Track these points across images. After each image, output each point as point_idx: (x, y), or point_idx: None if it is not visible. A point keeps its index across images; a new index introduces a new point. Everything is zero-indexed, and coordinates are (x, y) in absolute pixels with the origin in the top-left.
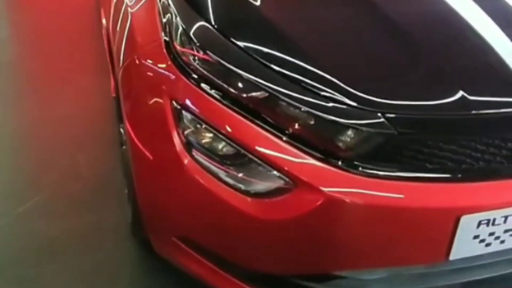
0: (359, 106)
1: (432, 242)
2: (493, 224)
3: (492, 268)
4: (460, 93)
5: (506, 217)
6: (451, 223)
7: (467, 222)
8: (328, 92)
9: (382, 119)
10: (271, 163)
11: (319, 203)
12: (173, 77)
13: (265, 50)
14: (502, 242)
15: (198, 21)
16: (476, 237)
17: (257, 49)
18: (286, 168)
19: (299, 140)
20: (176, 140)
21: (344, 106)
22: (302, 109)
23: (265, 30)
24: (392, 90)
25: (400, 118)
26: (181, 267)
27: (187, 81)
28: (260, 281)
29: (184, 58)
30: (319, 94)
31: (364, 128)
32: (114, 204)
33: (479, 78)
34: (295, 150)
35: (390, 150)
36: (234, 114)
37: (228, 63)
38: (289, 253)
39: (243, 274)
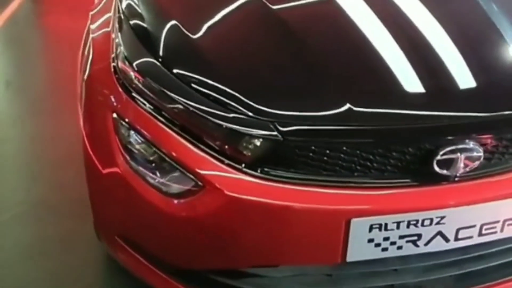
0: (254, 116)
1: (328, 243)
2: (385, 229)
3: (406, 275)
4: (346, 105)
5: (398, 223)
6: (342, 225)
7: (358, 225)
8: (231, 105)
9: (271, 127)
10: (184, 167)
11: (221, 203)
12: (114, 92)
13: (186, 71)
14: (400, 248)
15: (136, 46)
16: (370, 240)
17: (179, 71)
18: (196, 171)
19: (209, 147)
20: (115, 146)
21: (242, 116)
22: (211, 120)
23: (188, 55)
24: (284, 102)
25: (287, 127)
26: (124, 265)
27: (125, 96)
28: (182, 276)
29: (123, 76)
30: (224, 107)
31: (256, 135)
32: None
33: (366, 91)
34: (205, 156)
35: (282, 156)
36: (160, 124)
37: (155, 81)
38: (200, 249)
39: (169, 270)
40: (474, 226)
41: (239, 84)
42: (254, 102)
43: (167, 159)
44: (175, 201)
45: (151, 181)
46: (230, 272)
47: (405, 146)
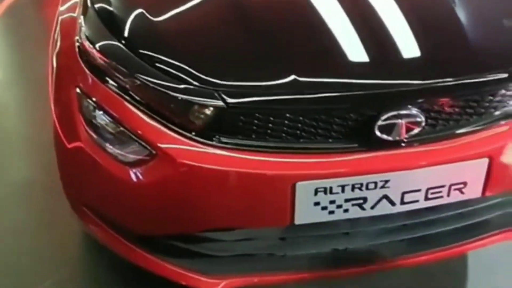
0: (201, 85)
1: (276, 206)
2: (330, 192)
3: (357, 239)
4: (289, 74)
5: (343, 187)
6: (288, 189)
7: (303, 189)
8: (181, 77)
9: (216, 96)
10: (139, 137)
11: (173, 170)
12: (77, 69)
13: (141, 47)
14: (346, 211)
15: (96, 24)
16: (317, 203)
17: (135, 47)
18: (150, 140)
19: (162, 117)
20: (78, 120)
21: (191, 87)
22: (162, 91)
23: (144, 32)
24: (229, 72)
25: (230, 95)
26: (93, 235)
27: (87, 72)
28: (143, 243)
29: (85, 53)
30: (176, 79)
31: (203, 103)
32: None
33: (310, 60)
34: (158, 126)
35: (229, 123)
36: (118, 98)
37: (112, 57)
38: (156, 215)
39: (131, 237)
40: (419, 190)
41: (189, 58)
42: (202, 74)
43: (124, 130)
44: (132, 170)
45: (110, 151)
46: (187, 237)
47: (347, 112)
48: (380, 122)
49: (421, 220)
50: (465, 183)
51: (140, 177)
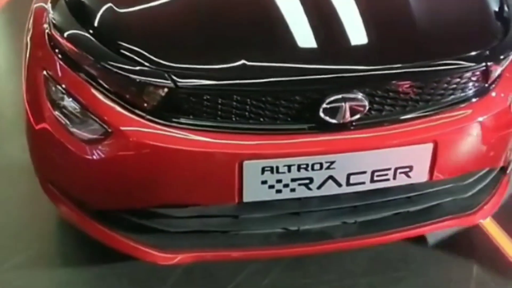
0: (153, 67)
1: (225, 184)
2: (277, 171)
3: (308, 219)
4: (236, 57)
5: (289, 166)
6: (236, 167)
7: (250, 167)
8: (136, 60)
9: (166, 76)
10: (97, 116)
11: (126, 147)
12: (45, 52)
13: (102, 33)
14: (293, 190)
15: (63, 11)
16: (264, 182)
17: (98, 34)
18: (106, 119)
19: (120, 98)
20: (43, 100)
21: (144, 68)
22: (119, 73)
23: (106, 20)
24: (180, 55)
25: (180, 76)
26: (57, 209)
27: (53, 55)
28: (102, 217)
29: (52, 38)
30: (133, 62)
31: (154, 84)
32: None
33: (258, 45)
34: (115, 106)
35: (180, 104)
36: (81, 80)
37: (75, 42)
38: (112, 190)
39: (91, 212)
40: (365, 172)
41: (146, 44)
42: (155, 57)
43: (84, 111)
44: (90, 148)
45: (72, 130)
46: (142, 213)
47: (293, 95)
48: (324, 105)
49: (372, 202)
50: (411, 167)
51: (97, 154)
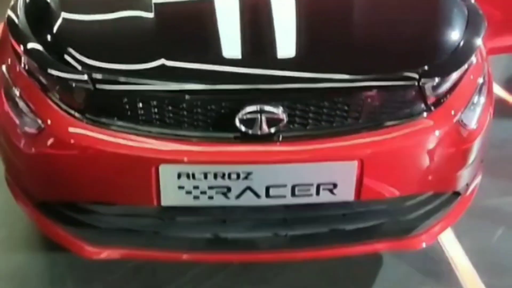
0: (79, 69)
1: (144, 186)
2: (193, 178)
3: (233, 228)
4: (156, 63)
5: (205, 174)
6: (152, 171)
7: (167, 172)
8: (67, 61)
9: (86, 78)
10: (33, 111)
11: (53, 144)
12: (5, 51)
13: (45, 37)
14: (211, 198)
15: (19, 13)
16: (181, 187)
17: (41, 38)
18: (41, 116)
19: (55, 97)
20: (3, 99)
21: (71, 69)
22: (51, 73)
23: (52, 25)
24: (102, 58)
25: (98, 77)
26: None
27: (11, 55)
28: (40, 207)
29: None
30: (63, 63)
31: (76, 83)
32: None
33: (180, 53)
34: (51, 104)
35: (101, 104)
36: (27, 80)
37: (22, 45)
38: (45, 182)
39: (34, 202)
40: (285, 185)
41: (76, 47)
42: (81, 59)
43: (26, 106)
44: (28, 141)
45: (16, 122)
46: (72, 206)
47: (209, 104)
48: (241, 116)
49: (303, 217)
50: (335, 184)
51: (34, 147)
